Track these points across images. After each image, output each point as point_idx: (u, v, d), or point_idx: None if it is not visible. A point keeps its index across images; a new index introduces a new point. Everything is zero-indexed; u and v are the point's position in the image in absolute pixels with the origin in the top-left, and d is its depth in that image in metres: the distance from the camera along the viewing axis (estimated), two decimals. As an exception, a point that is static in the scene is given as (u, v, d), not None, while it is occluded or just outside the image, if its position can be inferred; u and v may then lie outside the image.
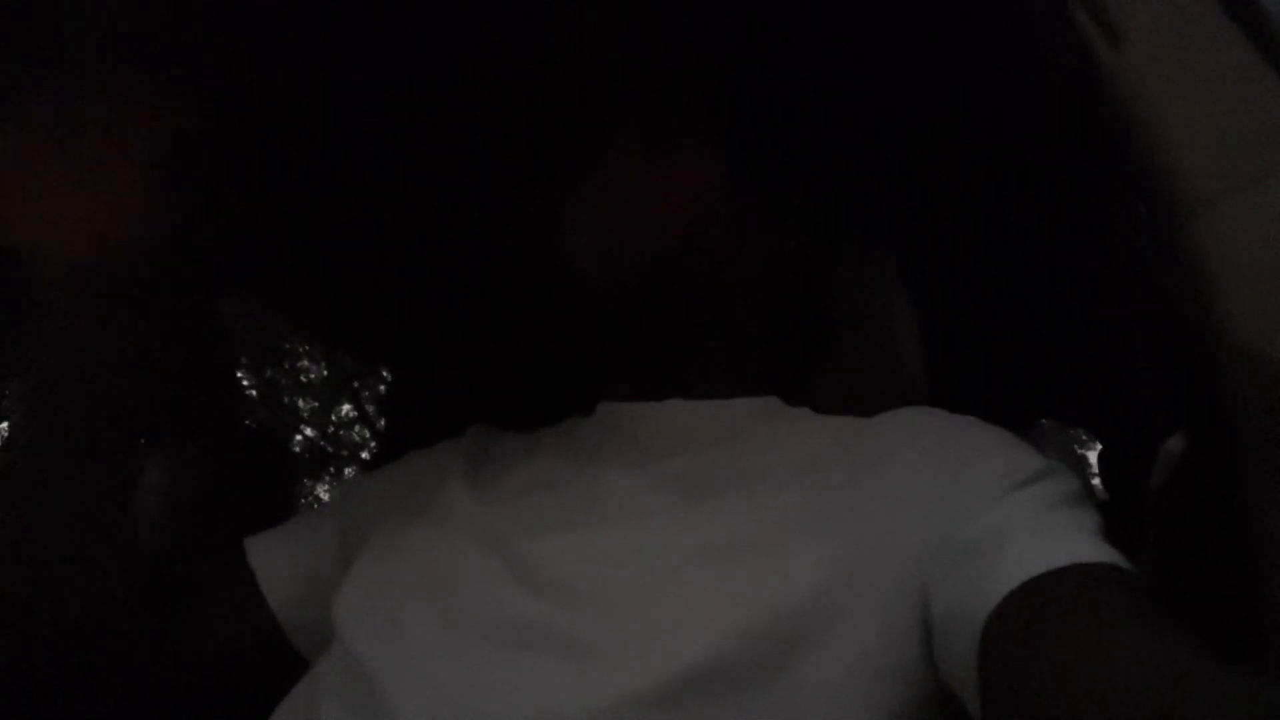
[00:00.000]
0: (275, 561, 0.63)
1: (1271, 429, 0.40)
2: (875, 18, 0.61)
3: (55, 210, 0.55)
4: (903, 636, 0.46)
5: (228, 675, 0.62)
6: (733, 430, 0.59)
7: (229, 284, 0.96)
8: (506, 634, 0.48)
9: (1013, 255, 0.84)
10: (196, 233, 0.62)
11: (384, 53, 0.66)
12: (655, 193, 0.61)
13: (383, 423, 1.46)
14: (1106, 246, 0.71)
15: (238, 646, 0.62)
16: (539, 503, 0.57)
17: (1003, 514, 0.47)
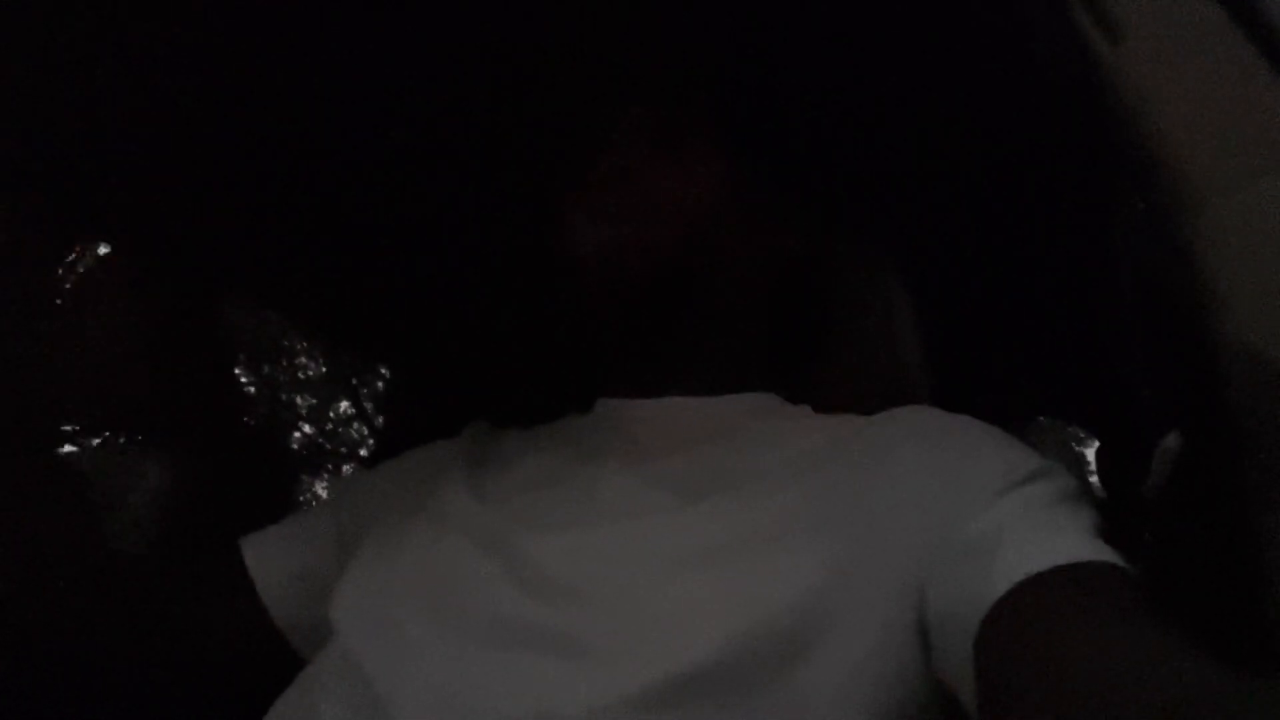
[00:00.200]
0: (270, 560, 0.63)
1: (1269, 426, 0.40)
2: (876, 17, 0.61)
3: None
4: (901, 636, 0.46)
5: (223, 673, 0.62)
6: (732, 428, 0.59)
7: (227, 281, 0.96)
8: (504, 633, 0.48)
9: (1011, 253, 0.84)
10: (196, 231, 0.62)
11: (385, 49, 0.66)
12: (656, 191, 0.60)
13: (381, 420, 1.46)
14: (1105, 244, 0.71)
15: (233, 645, 0.62)
16: (537, 501, 0.57)
17: (1000, 513, 0.47)
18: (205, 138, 0.71)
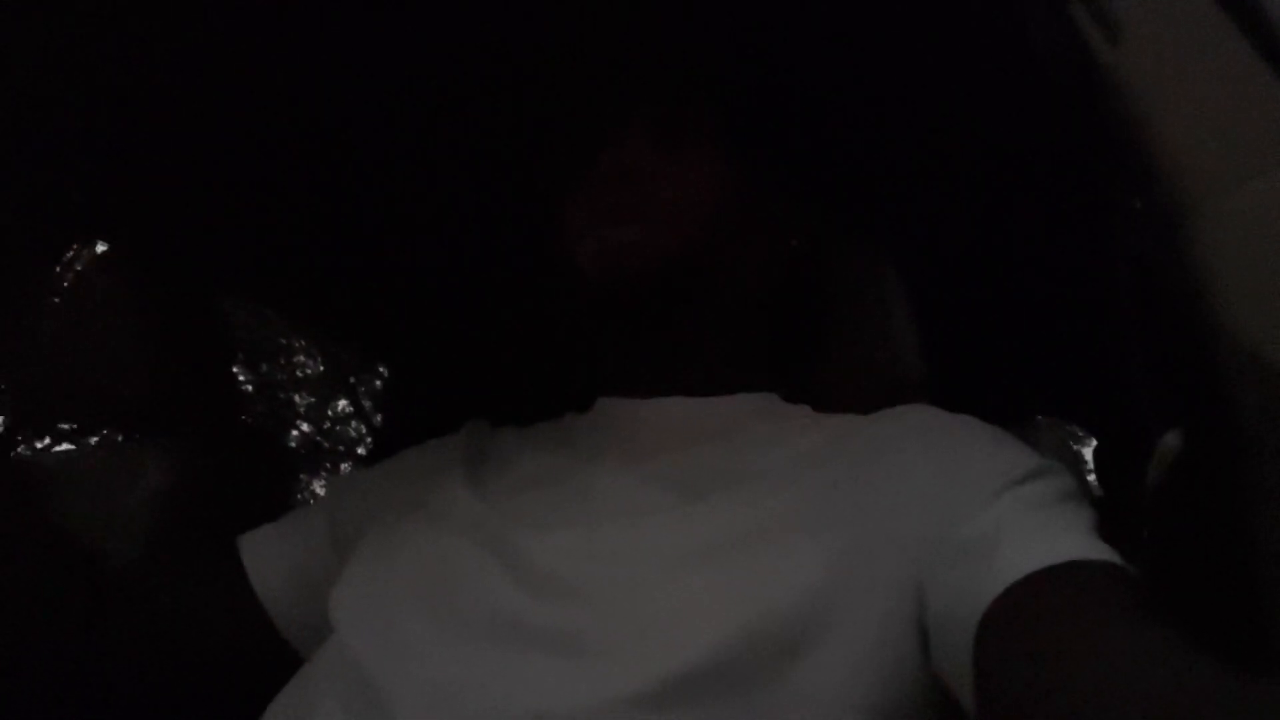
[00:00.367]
0: (267, 559, 0.63)
1: (1268, 426, 0.40)
2: (876, 17, 0.61)
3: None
4: (900, 635, 0.46)
5: (221, 671, 0.62)
6: (731, 428, 0.59)
7: (227, 280, 0.96)
8: (503, 632, 0.48)
9: (1010, 253, 0.84)
10: (195, 229, 0.62)
11: (386, 48, 0.66)
12: (657, 191, 0.60)
13: (379, 419, 1.46)
14: (1103, 243, 0.71)
15: (230, 643, 0.62)
16: (536, 499, 0.57)
17: (998, 512, 0.47)
18: (205, 137, 0.71)
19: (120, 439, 0.89)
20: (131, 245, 0.82)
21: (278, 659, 0.59)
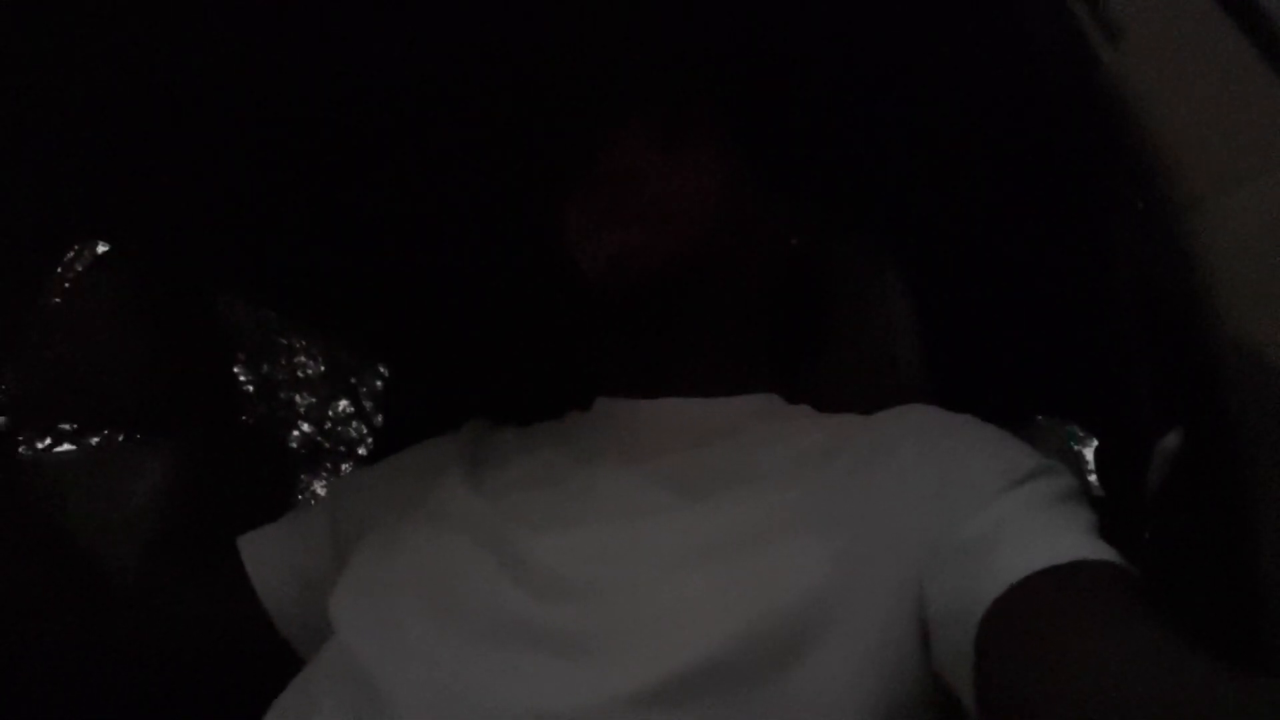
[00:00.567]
0: (268, 559, 0.63)
1: (1269, 425, 0.40)
2: (877, 16, 0.61)
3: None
4: (901, 635, 0.46)
5: (222, 672, 0.62)
6: (732, 428, 0.59)
7: (227, 280, 0.96)
8: (503, 631, 0.48)
9: (1010, 252, 0.84)
10: (195, 229, 0.62)
11: (386, 49, 0.66)
12: (658, 193, 0.60)
13: (379, 418, 1.46)
14: (1104, 243, 0.71)
15: (231, 644, 0.62)
16: (536, 499, 0.57)
17: (999, 512, 0.47)
18: (205, 137, 0.71)
19: (120, 439, 0.89)
20: (132, 245, 0.82)
21: (278, 660, 0.59)
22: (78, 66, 0.63)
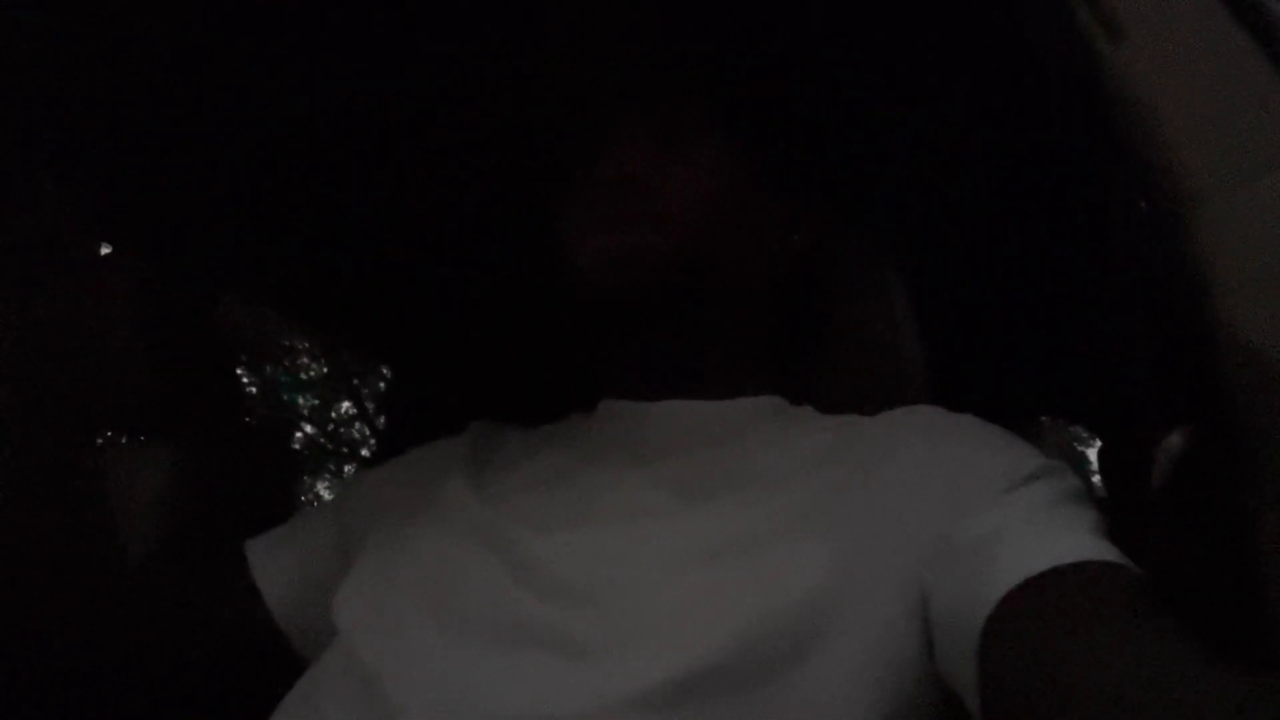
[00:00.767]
0: (274, 563, 0.63)
1: (1271, 425, 0.40)
2: (877, 16, 0.61)
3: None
4: (903, 636, 0.46)
5: (227, 675, 0.62)
6: (735, 430, 0.59)
7: (229, 281, 0.96)
8: (507, 633, 0.48)
9: (1013, 252, 0.84)
10: (197, 231, 0.62)
11: (387, 51, 0.66)
12: (659, 195, 0.60)
13: (382, 420, 1.46)
14: (1106, 243, 0.71)
15: (237, 646, 0.62)
16: (540, 501, 0.57)
17: (1003, 513, 0.47)
18: (206, 137, 0.71)
19: (124, 441, 0.89)
20: (134, 247, 0.82)
21: (283, 662, 0.59)
22: (81, 66, 0.63)
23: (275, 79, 0.67)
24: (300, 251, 0.89)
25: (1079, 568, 0.42)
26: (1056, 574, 0.42)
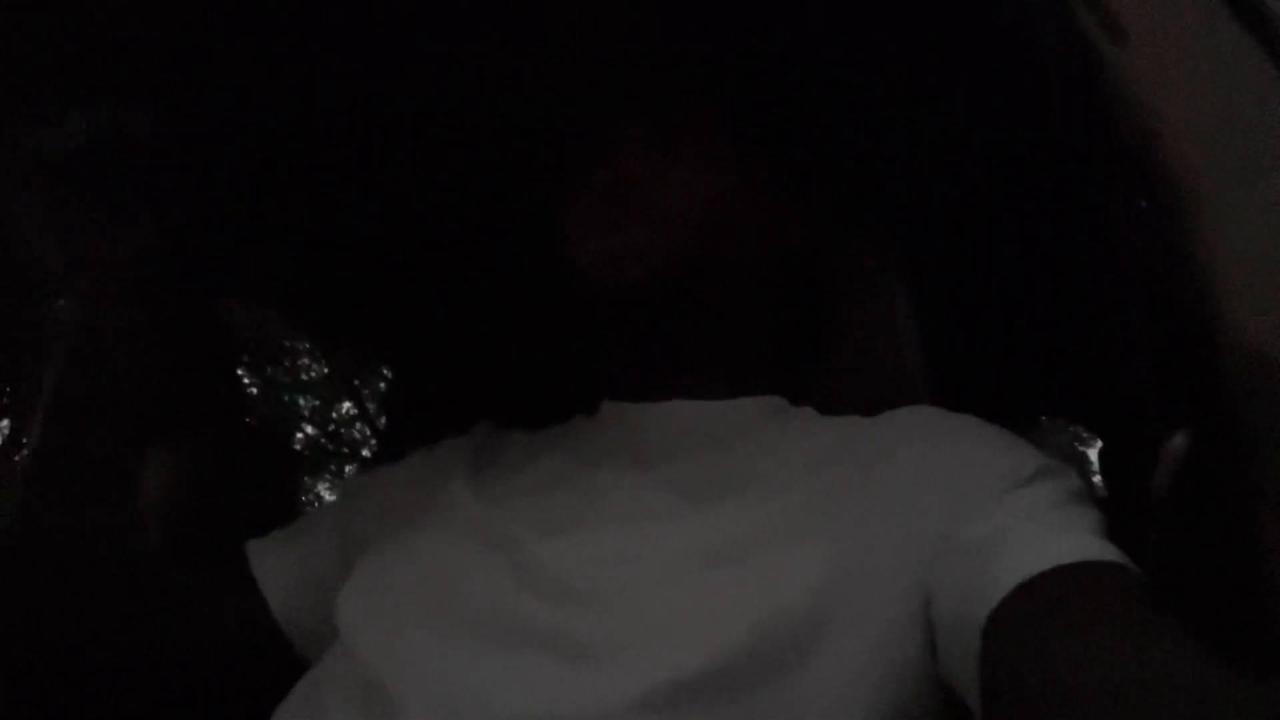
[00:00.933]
0: (275, 565, 0.63)
1: (1273, 425, 0.40)
2: (878, 17, 0.61)
3: (84, 222, 0.56)
4: (905, 637, 0.46)
5: (228, 676, 0.62)
6: (736, 431, 0.59)
7: (229, 282, 0.96)
8: (509, 635, 0.48)
9: (1014, 253, 0.84)
10: (199, 233, 0.62)
11: (386, 53, 0.66)
12: (659, 197, 0.60)
13: (383, 421, 1.46)
14: (1108, 243, 0.71)
15: (238, 648, 0.62)
16: (542, 503, 0.57)
17: (1004, 513, 0.47)
18: (207, 138, 0.71)
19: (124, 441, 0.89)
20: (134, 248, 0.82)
21: (285, 664, 0.59)
22: (81, 66, 0.63)
23: (276, 78, 0.67)
24: (301, 252, 0.90)
25: (1080, 568, 0.42)
26: (1057, 574, 0.42)
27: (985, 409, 0.56)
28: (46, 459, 0.58)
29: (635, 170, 0.60)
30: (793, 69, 0.64)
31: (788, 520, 0.50)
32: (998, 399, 0.67)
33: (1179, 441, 0.52)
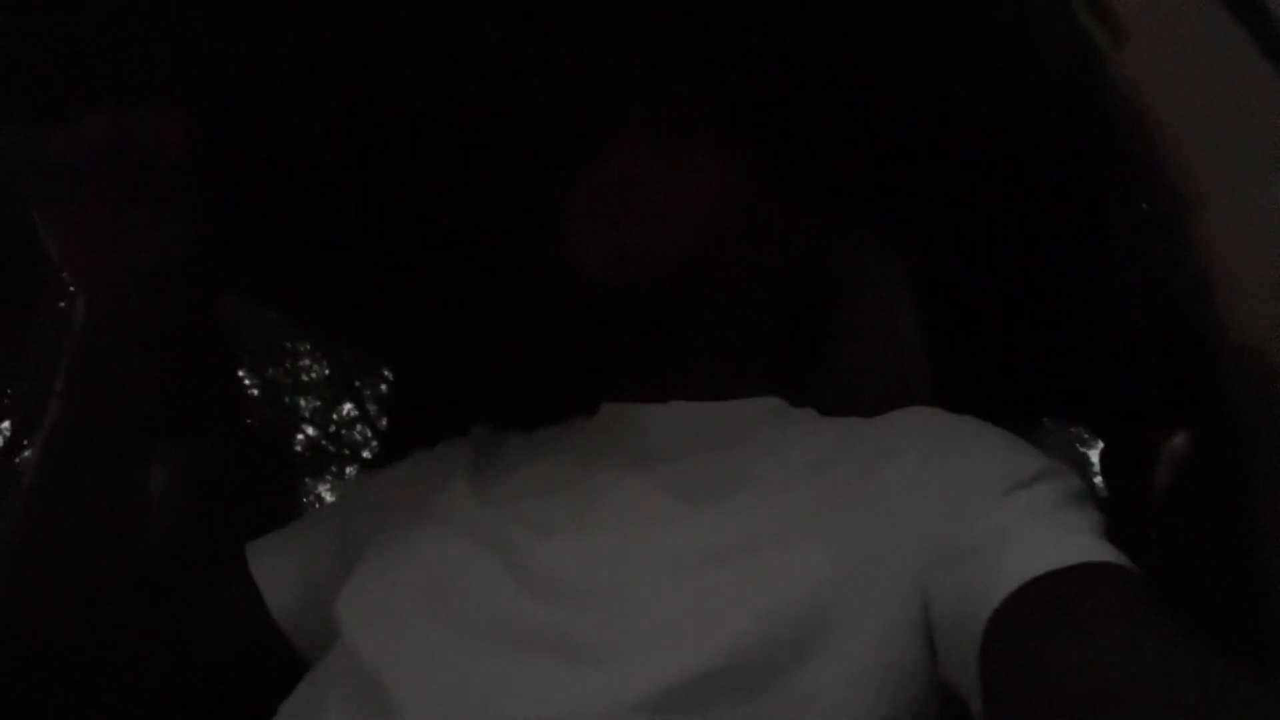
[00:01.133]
0: (275, 566, 0.63)
1: (1273, 426, 0.40)
2: (879, 19, 0.61)
3: (94, 228, 0.56)
4: (905, 638, 0.46)
5: (228, 677, 0.62)
6: (736, 432, 0.59)
7: (231, 283, 0.97)
8: (508, 636, 0.48)
9: (1015, 255, 0.84)
10: (204, 236, 0.62)
11: (388, 55, 0.66)
12: (661, 198, 0.60)
13: (384, 422, 1.46)
14: (1109, 244, 0.71)
15: (238, 649, 0.62)
16: (542, 504, 0.57)
17: (1004, 514, 0.47)
18: (208, 139, 0.72)
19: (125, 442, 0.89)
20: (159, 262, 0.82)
21: (285, 665, 0.59)
22: (81, 66, 0.63)
23: (278, 81, 0.68)
24: (303, 252, 0.90)
25: (1081, 570, 0.42)
26: (1058, 576, 0.42)
27: (986, 410, 0.56)
28: (47, 460, 0.57)
29: (637, 171, 0.60)
30: (794, 69, 0.64)
31: (787, 521, 0.50)
32: (998, 400, 0.67)
33: (1179, 441, 0.52)
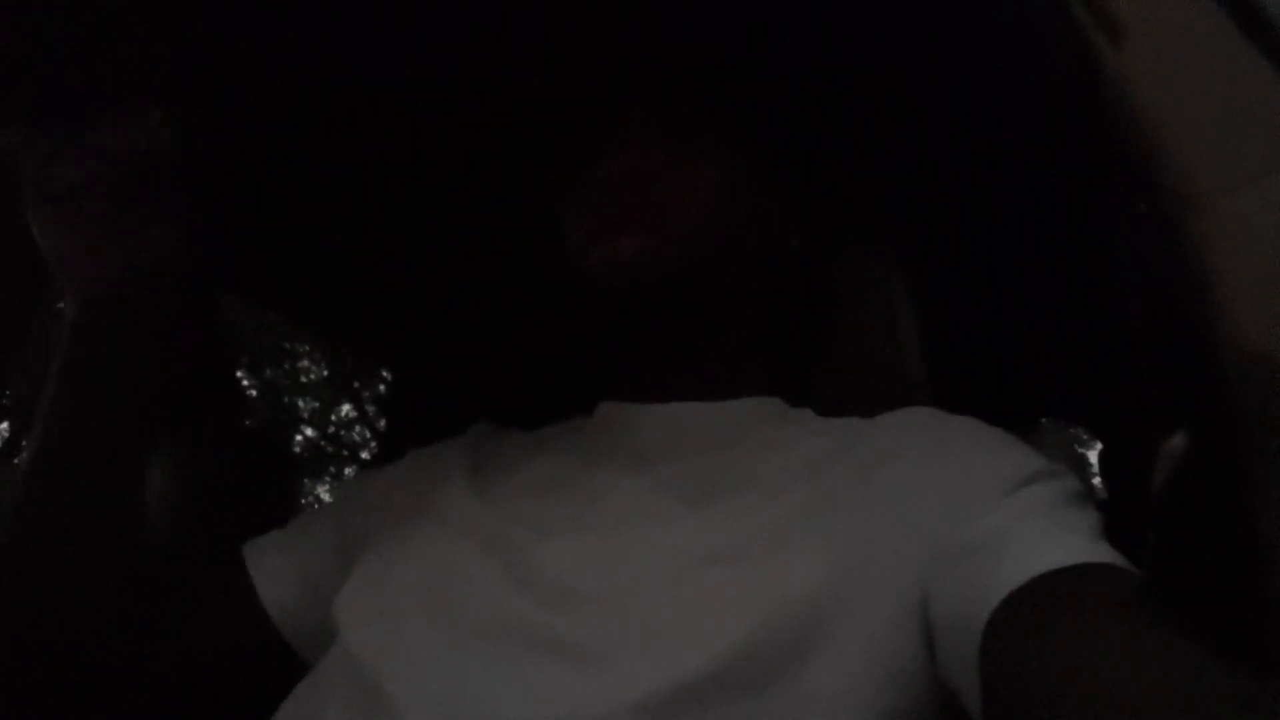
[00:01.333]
0: (273, 566, 0.63)
1: (1272, 426, 0.40)
2: (878, 18, 0.61)
3: (92, 229, 0.56)
4: (904, 639, 0.46)
5: (227, 678, 0.62)
6: (735, 432, 0.59)
7: (230, 283, 0.97)
8: (507, 637, 0.48)
9: (1014, 255, 0.84)
10: (202, 236, 0.62)
11: (388, 53, 0.66)
12: (661, 195, 0.60)
13: (383, 423, 1.46)
14: (1107, 245, 0.71)
15: (237, 650, 0.62)
16: (540, 504, 0.57)
17: (1003, 515, 0.47)
18: (207, 139, 0.72)
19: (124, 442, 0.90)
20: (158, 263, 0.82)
21: (283, 666, 0.59)
22: (80, 66, 0.63)
23: (278, 81, 0.68)
24: (302, 252, 0.90)
25: (1079, 570, 0.42)
26: (1057, 576, 0.42)
27: (985, 411, 0.56)
28: (46, 460, 0.57)
29: (636, 171, 0.60)
30: (794, 69, 0.64)
31: (787, 522, 0.50)
32: (997, 401, 0.67)
33: (1179, 441, 0.52)
